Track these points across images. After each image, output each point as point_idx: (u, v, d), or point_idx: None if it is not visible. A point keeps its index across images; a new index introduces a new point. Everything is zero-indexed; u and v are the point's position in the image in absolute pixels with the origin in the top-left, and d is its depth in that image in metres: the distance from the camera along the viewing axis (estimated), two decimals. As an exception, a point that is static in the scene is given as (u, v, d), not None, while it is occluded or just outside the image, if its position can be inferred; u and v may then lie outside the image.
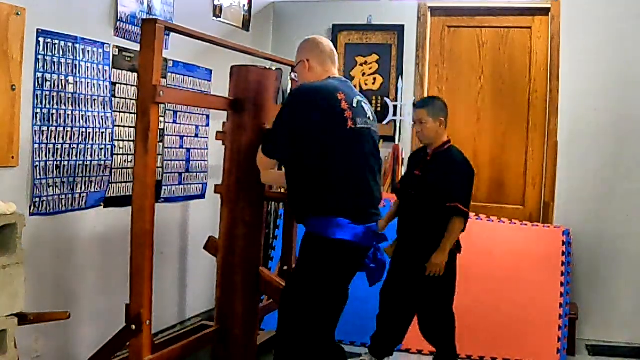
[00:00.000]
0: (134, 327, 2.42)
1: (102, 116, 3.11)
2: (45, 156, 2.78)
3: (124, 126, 3.27)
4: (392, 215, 3.38)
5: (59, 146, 2.86)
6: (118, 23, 3.19)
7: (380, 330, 3.38)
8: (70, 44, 2.88)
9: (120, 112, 3.24)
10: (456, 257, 3.24)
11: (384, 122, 4.31)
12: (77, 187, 2.98)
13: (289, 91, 2.57)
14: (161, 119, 3.56)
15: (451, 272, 3.20)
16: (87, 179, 3.04)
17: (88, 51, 2.99)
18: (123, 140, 3.27)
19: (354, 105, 2.48)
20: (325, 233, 2.41)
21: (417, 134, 3.34)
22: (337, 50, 4.63)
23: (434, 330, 3.30)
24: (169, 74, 3.60)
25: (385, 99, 4.45)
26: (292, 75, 2.73)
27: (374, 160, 2.55)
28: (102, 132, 3.12)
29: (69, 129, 2.91)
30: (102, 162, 3.13)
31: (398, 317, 3.32)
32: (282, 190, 3.02)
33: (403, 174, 3.49)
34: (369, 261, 2.54)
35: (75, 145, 2.95)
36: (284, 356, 2.52)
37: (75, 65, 2.92)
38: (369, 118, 2.55)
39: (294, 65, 2.70)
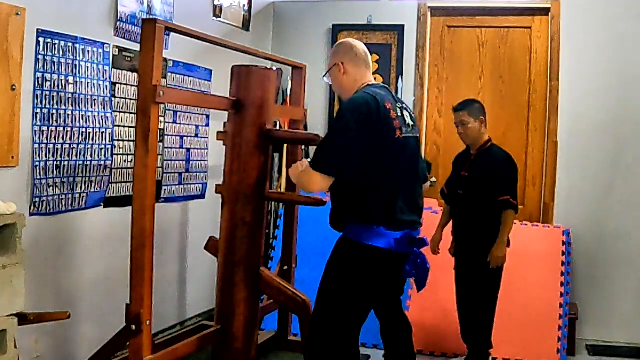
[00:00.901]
0: (134, 327, 2.42)
1: (102, 116, 3.11)
2: (45, 156, 2.78)
3: (124, 126, 3.27)
4: (445, 221, 3.58)
5: (59, 146, 2.85)
6: (118, 23, 3.19)
7: (465, 328, 3.48)
8: (70, 44, 2.88)
9: (120, 112, 3.24)
10: (505, 252, 3.35)
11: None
12: (77, 187, 2.98)
13: (342, 103, 2.53)
14: (161, 119, 3.56)
15: (499, 269, 3.33)
16: (87, 179, 3.04)
17: (88, 51, 2.99)
18: (123, 140, 3.26)
19: (399, 114, 2.46)
20: (361, 239, 2.39)
21: (460, 135, 3.46)
22: (337, 50, 4.69)
23: (474, 327, 3.40)
24: (169, 74, 3.60)
25: (385, 99, 4.44)
26: (325, 79, 2.70)
27: (415, 167, 2.55)
28: (102, 132, 3.12)
29: (69, 129, 2.91)
30: (102, 162, 3.13)
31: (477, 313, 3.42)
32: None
33: (448, 177, 3.63)
34: (410, 267, 2.51)
35: (75, 145, 2.95)
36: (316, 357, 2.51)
37: (75, 65, 2.92)
38: (409, 125, 2.51)
39: (328, 70, 2.64)
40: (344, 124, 2.34)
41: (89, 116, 3.02)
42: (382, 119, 2.36)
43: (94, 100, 3.06)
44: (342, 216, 2.48)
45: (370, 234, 2.38)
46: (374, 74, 4.67)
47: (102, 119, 3.12)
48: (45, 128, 2.77)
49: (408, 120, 2.52)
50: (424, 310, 3.90)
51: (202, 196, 4.06)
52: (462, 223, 3.45)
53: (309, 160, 2.46)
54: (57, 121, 2.83)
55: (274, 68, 3.55)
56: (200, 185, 4.04)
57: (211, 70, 3.99)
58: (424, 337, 3.81)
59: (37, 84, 2.71)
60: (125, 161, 3.28)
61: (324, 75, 2.68)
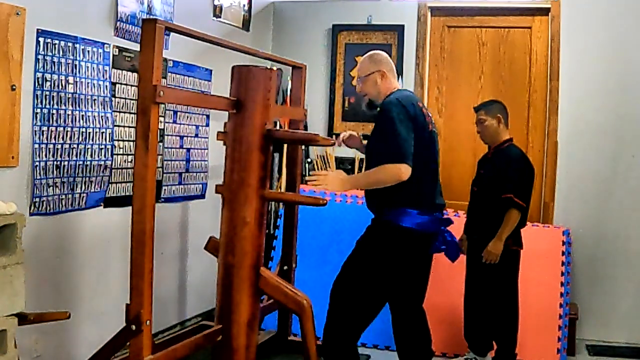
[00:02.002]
0: (134, 327, 2.42)
1: (102, 116, 3.11)
2: (45, 156, 2.78)
3: (124, 126, 3.27)
4: None
5: (59, 146, 2.86)
6: (118, 23, 3.19)
7: (469, 326, 3.51)
8: (70, 44, 2.88)
9: (120, 112, 3.24)
10: (519, 254, 3.41)
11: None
12: (77, 187, 2.98)
13: (381, 103, 2.88)
14: (161, 119, 3.56)
15: (513, 269, 3.38)
16: (87, 179, 3.04)
17: (88, 51, 2.99)
18: (123, 140, 3.26)
19: (426, 112, 2.86)
20: (397, 221, 2.73)
21: (479, 135, 3.53)
22: (337, 50, 4.71)
23: (496, 328, 3.44)
24: (169, 74, 3.60)
25: (385, 99, 4.45)
26: (358, 81, 3.04)
27: (438, 158, 2.95)
28: (102, 132, 3.12)
29: (69, 129, 2.91)
30: (102, 162, 3.13)
31: (483, 311, 3.46)
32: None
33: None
34: (439, 244, 2.86)
35: (75, 145, 2.95)
36: (334, 339, 2.82)
37: (75, 65, 2.92)
38: (432, 122, 2.90)
39: (365, 74, 2.96)
40: (398, 118, 2.70)
41: (89, 116, 3.02)
42: (418, 115, 2.77)
43: (94, 100, 3.06)
44: (381, 201, 2.78)
45: (405, 216, 2.74)
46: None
47: (102, 119, 3.12)
48: (45, 128, 2.77)
49: (431, 118, 2.92)
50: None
51: (202, 196, 4.06)
52: (474, 220, 3.48)
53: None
54: (57, 121, 2.83)
55: (274, 68, 3.55)
56: (200, 185, 4.04)
57: (211, 70, 3.99)
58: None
59: (37, 84, 2.71)
60: (125, 161, 3.28)
61: (359, 78, 3.00)
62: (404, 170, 2.64)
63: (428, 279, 2.96)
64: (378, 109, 2.93)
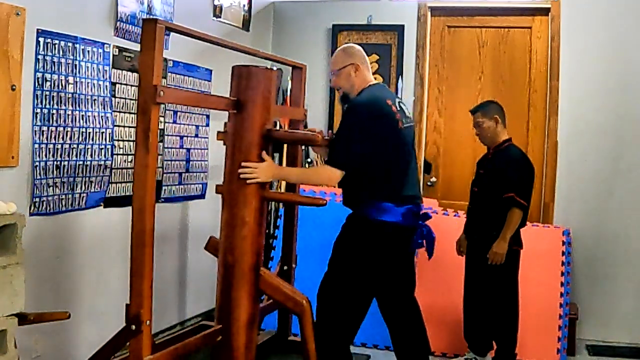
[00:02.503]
0: (133, 327, 2.42)
1: (102, 116, 3.11)
2: (45, 156, 2.78)
3: (124, 126, 3.27)
4: None
5: (59, 146, 2.86)
6: (118, 23, 3.19)
7: (469, 326, 3.51)
8: (70, 44, 2.88)
9: (120, 112, 3.24)
10: (519, 254, 3.41)
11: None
12: (77, 187, 2.98)
13: (350, 101, 2.89)
14: (161, 119, 3.56)
15: (513, 269, 3.38)
16: (87, 179, 3.04)
17: (88, 51, 2.99)
18: (123, 140, 3.26)
19: (398, 108, 2.83)
20: (373, 215, 2.73)
21: (477, 137, 3.53)
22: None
23: (497, 328, 3.44)
24: (169, 74, 3.60)
25: (385, 99, 4.44)
26: (331, 76, 3.00)
27: (413, 152, 2.95)
28: (102, 132, 3.12)
29: (69, 129, 2.91)
30: (102, 162, 3.13)
31: (482, 311, 3.45)
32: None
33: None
34: (418, 238, 2.86)
35: (75, 145, 2.95)
36: (325, 339, 2.78)
37: (75, 65, 2.92)
38: (407, 117, 2.90)
39: (339, 67, 2.92)
40: (359, 122, 2.72)
41: (89, 116, 3.02)
42: (386, 113, 2.75)
43: (94, 100, 3.06)
44: (355, 196, 2.81)
45: (380, 211, 2.73)
46: (374, 74, 4.69)
47: (102, 119, 3.12)
48: (45, 128, 2.77)
49: (407, 112, 2.92)
50: (424, 310, 3.89)
51: (202, 196, 4.06)
52: (475, 221, 3.48)
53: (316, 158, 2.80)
54: (57, 121, 2.83)
55: (274, 68, 3.55)
56: (200, 185, 4.04)
57: (211, 70, 3.99)
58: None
59: (37, 84, 2.71)
60: (125, 161, 3.28)
61: (333, 73, 2.95)
62: (337, 176, 2.71)
63: (413, 272, 2.96)
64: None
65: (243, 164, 2.74)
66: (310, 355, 2.84)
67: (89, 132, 3.03)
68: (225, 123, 2.99)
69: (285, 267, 3.46)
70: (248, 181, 2.72)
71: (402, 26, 4.57)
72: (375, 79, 2.99)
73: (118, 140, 3.23)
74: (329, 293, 2.81)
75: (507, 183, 3.29)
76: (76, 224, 3.01)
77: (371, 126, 2.71)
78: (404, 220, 2.76)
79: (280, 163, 4.39)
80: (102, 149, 3.12)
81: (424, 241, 2.88)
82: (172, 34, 3.31)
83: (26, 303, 2.24)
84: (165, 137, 3.65)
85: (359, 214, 2.80)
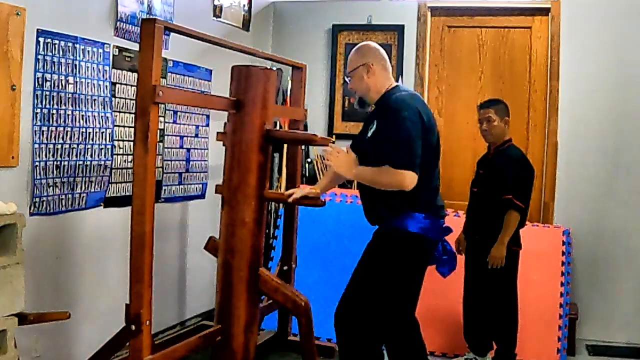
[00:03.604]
0: (133, 327, 2.42)
1: (102, 116, 3.11)
2: (45, 156, 2.78)
3: (124, 126, 3.27)
4: None
5: (59, 146, 2.86)
6: (118, 23, 3.19)
7: (469, 327, 3.51)
8: (70, 44, 2.88)
9: (120, 112, 3.24)
10: (518, 254, 3.40)
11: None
12: (77, 187, 2.98)
13: (391, 100, 2.65)
14: (161, 119, 3.56)
15: (512, 269, 3.37)
16: (87, 179, 3.04)
17: (88, 51, 3.00)
18: (123, 140, 3.27)
19: (431, 114, 2.67)
20: (404, 227, 2.56)
21: (482, 132, 3.49)
22: (337, 50, 4.70)
23: (496, 328, 3.44)
24: (169, 74, 3.60)
25: (385, 99, 4.44)
26: (347, 78, 2.79)
27: (439, 160, 2.81)
28: (102, 132, 3.12)
29: (69, 129, 2.91)
30: (102, 162, 3.13)
31: (482, 312, 3.45)
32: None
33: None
34: (439, 254, 2.71)
35: (75, 145, 2.95)
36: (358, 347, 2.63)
37: (75, 65, 2.92)
38: (436, 121, 2.72)
39: (350, 70, 2.72)
40: (410, 120, 2.51)
41: (89, 116, 3.02)
42: (426, 117, 2.58)
43: (94, 100, 3.06)
44: (385, 207, 2.60)
45: (413, 221, 2.57)
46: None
47: (102, 119, 3.12)
48: (45, 128, 2.77)
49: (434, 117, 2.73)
50: (424, 310, 3.89)
51: (202, 196, 4.06)
52: (474, 221, 3.49)
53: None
54: (57, 121, 2.83)
55: (274, 68, 3.55)
56: (200, 185, 4.04)
57: (211, 70, 3.99)
58: (424, 337, 3.81)
59: (37, 84, 2.71)
60: (125, 161, 3.28)
61: (347, 75, 2.77)
62: (409, 179, 2.45)
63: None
64: (373, 106, 2.75)
65: (331, 146, 2.64)
66: (309, 355, 2.85)
67: (89, 132, 3.03)
68: (225, 123, 3.00)
69: (285, 267, 3.46)
70: (328, 162, 2.65)
71: (402, 26, 4.57)
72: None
73: (118, 140, 3.23)
74: (360, 302, 2.60)
75: (506, 184, 3.29)
76: (76, 224, 3.01)
77: (419, 125, 2.52)
78: (434, 233, 2.62)
79: (280, 163, 4.39)
80: (102, 149, 3.12)
81: (445, 257, 2.72)
82: (172, 33, 3.30)
83: (26, 303, 2.25)
84: (165, 137, 3.65)
85: (391, 225, 2.59)
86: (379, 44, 2.75)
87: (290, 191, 2.82)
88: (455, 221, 3.94)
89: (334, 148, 2.63)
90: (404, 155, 2.47)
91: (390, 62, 4.51)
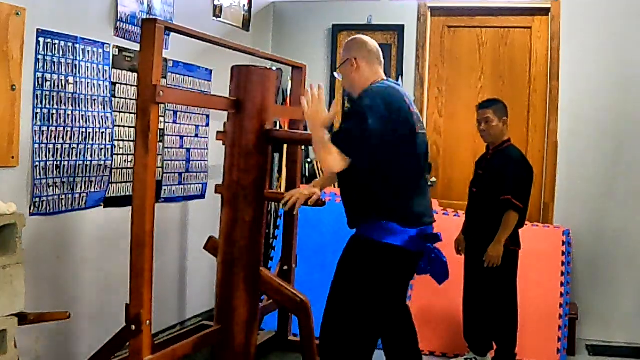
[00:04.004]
0: (133, 327, 2.42)
1: (102, 116, 3.11)
2: (45, 156, 2.78)
3: (124, 126, 3.27)
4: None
5: (59, 146, 2.86)
6: (118, 23, 3.19)
7: (469, 327, 3.51)
8: (70, 44, 2.88)
9: (120, 112, 3.24)
10: (517, 254, 3.40)
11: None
12: (77, 187, 2.98)
13: (355, 94, 2.54)
14: (161, 119, 3.56)
15: (512, 269, 3.37)
16: (87, 179, 3.04)
17: (88, 51, 2.99)
18: (123, 140, 3.27)
19: (413, 110, 2.47)
20: (376, 237, 2.37)
21: (481, 132, 3.49)
22: (337, 50, 4.70)
23: (496, 328, 3.44)
24: (169, 74, 3.60)
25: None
26: (336, 74, 2.71)
27: (425, 164, 2.58)
28: (102, 132, 3.12)
29: (69, 129, 2.91)
30: (102, 162, 3.13)
31: (482, 311, 3.45)
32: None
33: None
34: (425, 264, 2.51)
35: (75, 145, 2.95)
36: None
37: (75, 65, 2.92)
38: (420, 121, 2.53)
39: (338, 66, 2.64)
40: (365, 107, 2.31)
41: (89, 116, 3.02)
42: (404, 111, 2.40)
43: (94, 100, 3.06)
44: (357, 213, 2.46)
45: (385, 232, 2.37)
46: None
47: (102, 119, 3.12)
48: (45, 128, 2.77)
49: (418, 116, 2.53)
50: (424, 310, 3.90)
51: (202, 196, 4.06)
52: (473, 221, 3.49)
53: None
54: (57, 121, 2.83)
55: (274, 68, 3.55)
56: (200, 185, 4.04)
57: (211, 70, 3.99)
58: (424, 337, 3.81)
59: (37, 84, 2.71)
60: (125, 161, 3.28)
61: (336, 70, 2.69)
62: (334, 159, 2.28)
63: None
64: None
65: (314, 91, 2.37)
66: (309, 355, 2.85)
67: (89, 132, 3.03)
68: (225, 123, 3.00)
69: (285, 267, 3.46)
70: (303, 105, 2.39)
71: (402, 26, 4.57)
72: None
73: (118, 140, 3.23)
74: (336, 319, 2.47)
75: (505, 185, 3.29)
76: (76, 224, 3.01)
77: (380, 121, 2.29)
78: (412, 244, 2.40)
79: (280, 163, 4.40)
80: (102, 149, 3.12)
81: (431, 267, 2.53)
82: (172, 34, 3.30)
83: (26, 303, 2.25)
84: (165, 137, 3.65)
85: (362, 234, 2.44)
86: (379, 44, 2.68)
87: (288, 195, 2.66)
88: (455, 221, 3.94)
89: (317, 94, 2.38)
90: (343, 135, 2.31)
91: (390, 62, 4.60)
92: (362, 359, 2.48)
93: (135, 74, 3.15)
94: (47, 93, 2.77)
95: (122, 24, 3.21)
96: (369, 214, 2.41)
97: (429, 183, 4.45)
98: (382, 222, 2.38)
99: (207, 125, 4.03)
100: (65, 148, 2.89)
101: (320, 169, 4.51)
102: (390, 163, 2.37)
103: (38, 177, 2.74)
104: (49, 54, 2.77)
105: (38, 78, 2.71)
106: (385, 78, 2.57)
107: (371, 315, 2.45)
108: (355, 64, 2.53)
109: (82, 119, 2.98)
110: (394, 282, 2.48)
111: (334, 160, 2.30)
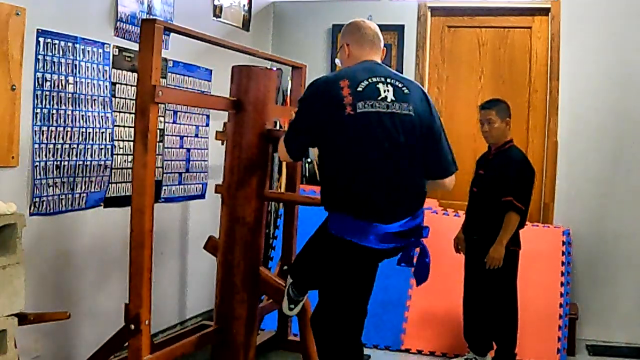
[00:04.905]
0: (132, 326, 2.42)
1: (102, 116, 3.12)
2: (45, 156, 2.78)
3: (124, 126, 3.27)
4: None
5: (59, 146, 2.86)
6: (118, 23, 3.19)
7: (469, 327, 3.51)
8: (70, 44, 2.88)
9: (120, 112, 3.24)
10: (517, 254, 3.40)
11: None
12: (77, 187, 2.98)
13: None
14: (161, 119, 3.56)
15: (512, 269, 3.37)
16: (87, 179, 3.04)
17: (88, 51, 3.00)
18: (123, 140, 3.27)
19: (359, 89, 2.26)
20: (335, 231, 2.28)
21: (483, 133, 3.48)
22: (337, 50, 4.68)
23: (496, 328, 3.44)
24: (169, 74, 3.60)
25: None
26: (337, 60, 2.71)
27: (400, 148, 2.27)
28: (102, 132, 3.12)
29: (69, 129, 2.91)
30: (102, 162, 3.13)
31: (482, 311, 3.45)
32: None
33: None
34: (404, 257, 2.38)
35: (75, 145, 2.95)
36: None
37: (75, 65, 2.92)
38: (384, 99, 2.27)
39: (337, 51, 2.69)
40: (302, 100, 2.44)
41: (89, 116, 3.03)
42: (324, 96, 2.29)
43: (94, 100, 3.06)
44: (324, 201, 2.39)
45: (341, 224, 2.26)
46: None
47: (102, 119, 3.12)
48: (45, 128, 2.77)
49: (386, 94, 2.28)
50: (424, 310, 3.90)
51: (202, 196, 4.06)
52: (474, 221, 3.48)
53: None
54: (57, 121, 2.83)
55: (274, 68, 3.55)
56: (200, 185, 4.04)
57: (211, 70, 3.99)
58: (424, 337, 3.82)
59: (37, 84, 2.71)
60: (125, 161, 3.28)
61: (336, 58, 2.73)
62: (281, 151, 2.46)
63: (369, 285, 2.52)
64: None
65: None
66: (309, 355, 2.85)
67: (89, 132, 3.03)
68: (224, 123, 3.00)
69: (285, 267, 3.46)
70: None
71: (402, 26, 4.57)
72: (380, 60, 2.50)
73: (118, 140, 3.23)
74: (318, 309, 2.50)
75: (506, 186, 3.28)
76: (76, 224, 3.01)
77: (310, 113, 2.32)
78: (375, 241, 2.22)
79: (280, 163, 4.40)
80: (102, 149, 3.12)
81: (415, 263, 2.42)
82: (172, 33, 3.30)
83: (26, 303, 2.25)
84: (165, 137, 3.65)
85: (327, 225, 2.35)
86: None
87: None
88: (455, 221, 3.94)
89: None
90: (287, 132, 2.47)
91: (390, 62, 4.60)
92: (335, 336, 2.45)
93: (135, 74, 3.15)
94: (47, 93, 2.77)
95: (122, 24, 3.21)
96: (326, 202, 2.36)
97: None
98: (336, 212, 2.29)
99: (207, 125, 4.03)
100: (65, 148, 2.89)
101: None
102: (331, 155, 2.31)
103: (38, 177, 2.75)
104: (49, 54, 2.77)
105: (38, 78, 2.72)
106: (369, 59, 2.44)
107: (330, 295, 2.47)
108: (347, 50, 2.49)
109: (82, 119, 2.98)
110: (343, 269, 2.38)
111: (281, 150, 2.48)
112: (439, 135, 2.41)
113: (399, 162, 2.28)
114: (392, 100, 2.29)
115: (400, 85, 2.36)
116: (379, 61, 2.48)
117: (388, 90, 2.31)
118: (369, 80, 2.31)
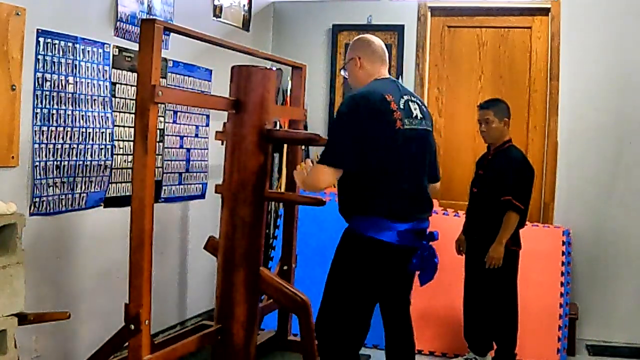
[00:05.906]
0: (132, 326, 2.42)
1: (102, 116, 3.12)
2: (45, 156, 2.78)
3: (124, 126, 3.27)
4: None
5: (59, 146, 2.86)
6: (118, 23, 3.19)
7: (469, 327, 3.51)
8: (70, 44, 2.88)
9: (120, 112, 3.24)
10: (518, 254, 3.40)
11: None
12: (77, 187, 2.98)
13: (344, 96, 2.66)
14: (161, 119, 3.56)
15: (512, 269, 3.37)
16: (87, 179, 3.04)
17: (88, 51, 3.00)
18: (123, 140, 3.27)
19: (401, 106, 2.48)
20: (365, 231, 2.45)
21: (481, 133, 3.49)
22: (337, 50, 4.70)
23: (496, 328, 3.44)
24: (169, 74, 3.60)
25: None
26: (342, 72, 2.82)
27: (423, 159, 2.58)
28: (102, 132, 3.12)
29: (69, 129, 2.91)
30: (102, 162, 3.13)
31: (482, 311, 3.46)
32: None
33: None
34: (417, 261, 2.53)
35: (75, 145, 2.95)
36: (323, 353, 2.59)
37: (75, 65, 2.92)
38: (416, 117, 2.54)
39: (344, 65, 2.74)
40: (338, 120, 2.46)
41: (89, 116, 3.03)
42: (378, 110, 2.42)
43: (94, 100, 3.06)
44: (348, 207, 2.55)
45: (373, 226, 2.44)
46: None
47: (102, 119, 3.12)
48: (45, 128, 2.77)
49: (416, 112, 2.55)
50: (424, 310, 3.90)
51: (202, 196, 4.06)
52: (474, 221, 3.49)
53: (312, 159, 2.51)
54: (57, 121, 2.83)
55: (274, 68, 3.55)
56: (200, 185, 4.04)
57: (211, 70, 3.99)
58: (424, 337, 3.82)
59: (37, 84, 2.71)
60: (125, 161, 3.28)
61: (342, 68, 2.79)
62: (323, 175, 2.41)
63: (408, 285, 2.72)
64: None
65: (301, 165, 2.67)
66: (310, 355, 2.85)
67: (89, 132, 3.03)
68: (224, 123, 3.00)
69: (285, 267, 3.46)
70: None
71: (402, 26, 4.57)
72: (390, 74, 2.69)
73: (118, 140, 3.23)
74: (328, 308, 2.58)
75: (506, 185, 3.28)
76: (76, 224, 3.01)
77: (356, 124, 2.39)
78: (400, 239, 2.44)
79: (280, 163, 4.40)
80: (102, 149, 3.12)
81: (423, 265, 2.56)
82: (172, 33, 3.30)
83: (26, 303, 2.25)
84: (165, 137, 3.65)
85: (352, 227, 2.52)
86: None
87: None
88: (455, 221, 3.94)
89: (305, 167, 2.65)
90: (328, 150, 2.43)
91: (390, 62, 4.57)
92: (347, 348, 2.56)
93: (135, 74, 3.15)
94: (47, 93, 2.77)
95: (122, 24, 3.21)
96: (359, 209, 2.49)
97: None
98: (367, 216, 2.46)
99: (207, 125, 4.03)
100: (65, 148, 2.89)
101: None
102: (374, 161, 2.43)
103: (38, 177, 2.75)
104: (49, 54, 2.77)
105: (38, 78, 2.72)
106: (379, 77, 2.61)
107: (357, 306, 2.53)
108: (358, 63, 2.63)
109: (82, 119, 2.98)
110: (381, 274, 2.52)
111: (327, 177, 2.43)
112: (434, 144, 2.74)
113: (418, 172, 2.58)
114: (420, 117, 2.57)
115: (420, 104, 2.63)
116: (392, 77, 2.71)
117: (416, 109, 2.57)
118: (403, 97, 2.53)
